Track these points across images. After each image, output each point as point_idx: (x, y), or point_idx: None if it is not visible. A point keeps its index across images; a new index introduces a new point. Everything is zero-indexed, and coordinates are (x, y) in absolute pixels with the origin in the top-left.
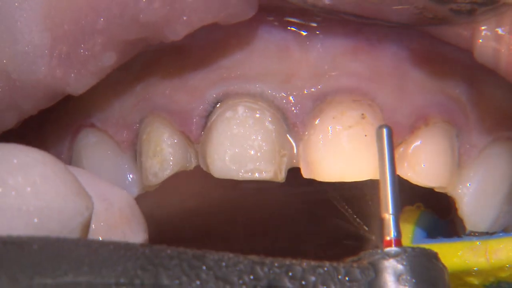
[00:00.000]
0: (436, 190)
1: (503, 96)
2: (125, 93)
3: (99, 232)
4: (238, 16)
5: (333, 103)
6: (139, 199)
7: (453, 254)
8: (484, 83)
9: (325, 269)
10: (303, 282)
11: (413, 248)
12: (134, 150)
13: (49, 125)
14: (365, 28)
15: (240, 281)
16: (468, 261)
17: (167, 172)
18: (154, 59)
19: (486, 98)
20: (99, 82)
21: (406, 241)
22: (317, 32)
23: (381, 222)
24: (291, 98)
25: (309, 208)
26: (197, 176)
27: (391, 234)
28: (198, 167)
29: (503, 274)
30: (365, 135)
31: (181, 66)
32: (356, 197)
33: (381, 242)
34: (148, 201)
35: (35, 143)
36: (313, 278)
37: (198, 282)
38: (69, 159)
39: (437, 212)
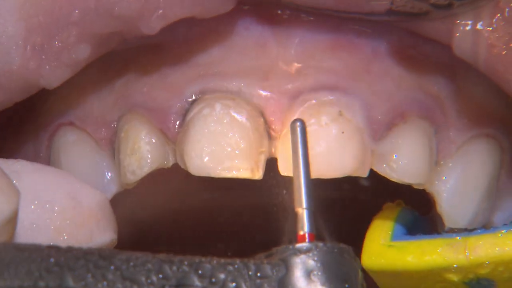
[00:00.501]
0: (415, 187)
1: (482, 93)
2: (104, 91)
3: (64, 230)
4: (214, 10)
5: (310, 99)
6: (120, 198)
7: (432, 251)
8: (463, 80)
9: (235, 266)
10: (213, 280)
11: (324, 244)
12: (113, 148)
13: (28, 124)
14: (343, 25)
15: (148, 281)
16: (447, 258)
17: (145, 170)
18: (132, 57)
19: (465, 95)
20: (78, 80)
21: (386, 237)
22: (295, 29)
23: (295, 216)
24: (268, 95)
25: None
26: (177, 174)
27: (304, 229)
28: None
29: (482, 271)
30: (342, 132)
31: (159, 63)
32: None
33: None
34: (129, 199)
35: (14, 142)
36: (222, 276)
37: (104, 283)
38: (48, 157)
39: (417, 209)
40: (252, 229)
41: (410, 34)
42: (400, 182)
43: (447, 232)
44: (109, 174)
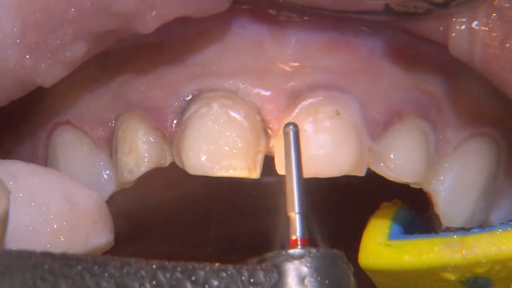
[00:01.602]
0: (412, 186)
1: (479, 92)
2: (101, 90)
3: (61, 232)
4: (210, 9)
5: (308, 99)
6: (116, 195)
7: (429, 250)
8: (459, 79)
9: (228, 272)
10: (206, 286)
11: (317, 250)
12: (110, 147)
13: (25, 123)
14: (340, 24)
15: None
16: (444, 257)
17: (143, 169)
18: (129, 56)
19: (462, 94)
20: (75, 79)
21: (383, 236)
22: (292, 28)
23: (287, 221)
24: (265, 94)
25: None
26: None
27: (296, 233)
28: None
29: (479, 270)
30: (340, 131)
31: (156, 63)
32: None
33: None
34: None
35: (11, 142)
36: (216, 283)
37: None
38: (46, 156)
39: (414, 209)
40: (248, 222)
41: (407, 34)
42: (398, 181)
43: (444, 231)
44: (107, 173)
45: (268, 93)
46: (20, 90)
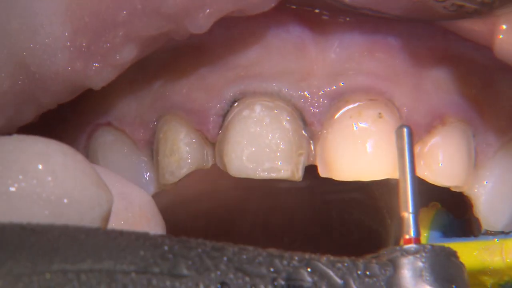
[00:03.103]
0: (453, 189)
1: None
2: (142, 91)
3: None
4: (259, 6)
5: (350, 102)
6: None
7: (468, 254)
8: (500, 83)
9: (345, 264)
10: (322, 276)
11: (432, 246)
12: (151, 149)
13: (66, 123)
14: (382, 26)
15: (260, 273)
16: (483, 260)
17: (184, 171)
18: (171, 58)
19: (502, 98)
20: (116, 81)
21: (422, 240)
22: (334, 31)
23: (401, 220)
24: (308, 96)
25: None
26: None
27: (410, 233)
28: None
29: None
30: (383, 134)
31: (198, 65)
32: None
33: (400, 240)
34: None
35: None
36: (332, 273)
37: (218, 273)
38: (86, 157)
39: (453, 212)
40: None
41: (449, 37)
42: (439, 185)
43: (483, 234)
44: (147, 175)
45: (310, 95)
46: (69, 94)
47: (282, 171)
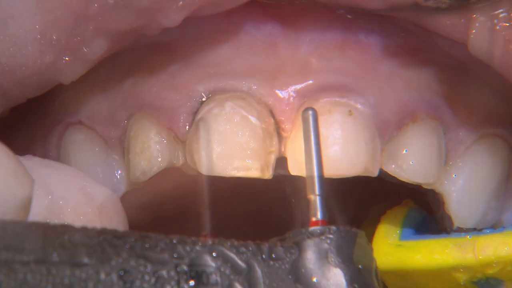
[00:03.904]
0: (424, 186)
1: (490, 93)
2: (113, 90)
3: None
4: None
5: (320, 99)
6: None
7: (441, 251)
8: (471, 80)
9: (249, 248)
10: (226, 260)
11: (337, 228)
12: (122, 147)
13: (37, 122)
14: (353, 24)
15: (162, 259)
16: (456, 257)
17: (155, 169)
18: (142, 56)
19: (473, 95)
20: (87, 79)
21: (394, 237)
22: (305, 28)
23: (307, 203)
24: (278, 94)
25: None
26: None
27: (317, 215)
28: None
29: (491, 271)
30: (352, 132)
31: (168, 63)
32: None
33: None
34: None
35: (23, 141)
36: (236, 257)
37: (119, 260)
38: (57, 156)
39: (427, 210)
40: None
41: (420, 34)
42: (409, 182)
43: (455, 231)
44: (119, 173)
45: (280, 93)
46: (38, 88)
47: (252, 169)
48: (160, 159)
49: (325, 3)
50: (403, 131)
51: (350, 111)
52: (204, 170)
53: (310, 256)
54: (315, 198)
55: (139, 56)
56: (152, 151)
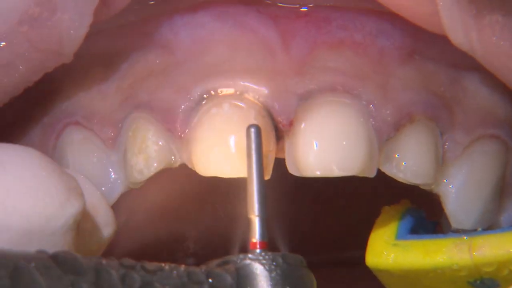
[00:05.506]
0: (421, 187)
1: (487, 94)
2: (111, 90)
3: None
4: None
5: (318, 100)
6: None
7: (437, 251)
8: (468, 81)
9: (181, 272)
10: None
11: (274, 253)
12: (120, 147)
13: (34, 123)
14: (350, 25)
15: None
16: (452, 257)
17: (152, 169)
18: (139, 57)
19: (471, 96)
20: (84, 80)
21: (390, 236)
22: (301, 29)
23: (248, 223)
24: (276, 95)
25: None
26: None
27: (256, 236)
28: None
29: (486, 271)
30: (350, 132)
31: (166, 63)
32: None
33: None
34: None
35: (20, 141)
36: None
37: None
38: (55, 157)
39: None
40: None
41: (416, 35)
42: (407, 183)
43: (452, 232)
44: (116, 174)
45: (278, 94)
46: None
47: None
48: (157, 159)
49: (321, 4)
50: (401, 132)
51: (347, 111)
52: (201, 171)
53: (249, 282)
54: (255, 219)
55: (136, 57)
56: (149, 151)
